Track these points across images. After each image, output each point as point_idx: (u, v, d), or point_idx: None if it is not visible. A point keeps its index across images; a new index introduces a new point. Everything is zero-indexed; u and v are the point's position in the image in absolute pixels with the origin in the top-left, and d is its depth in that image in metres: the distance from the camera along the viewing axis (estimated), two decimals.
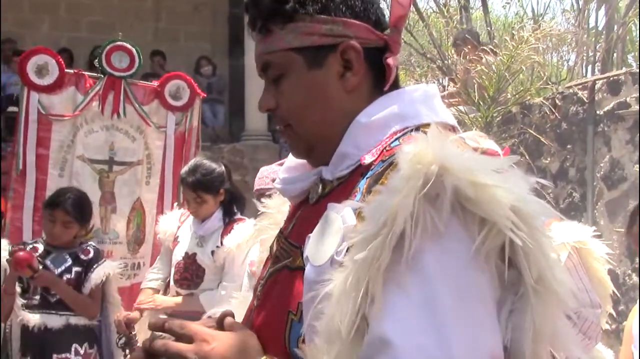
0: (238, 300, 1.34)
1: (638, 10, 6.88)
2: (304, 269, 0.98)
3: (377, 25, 1.07)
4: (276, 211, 1.29)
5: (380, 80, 1.07)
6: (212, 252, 3.21)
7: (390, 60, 1.06)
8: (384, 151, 0.99)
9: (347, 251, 0.90)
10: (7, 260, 3.12)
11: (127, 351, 3.25)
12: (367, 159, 1.00)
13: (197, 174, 3.20)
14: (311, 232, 0.98)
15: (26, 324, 3.13)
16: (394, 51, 1.07)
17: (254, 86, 8.41)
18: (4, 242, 3.33)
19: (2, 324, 3.32)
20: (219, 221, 3.25)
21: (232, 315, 1.06)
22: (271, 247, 1.19)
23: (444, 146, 0.87)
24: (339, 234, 0.93)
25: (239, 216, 3.29)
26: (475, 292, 0.87)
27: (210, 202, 3.23)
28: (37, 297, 3.17)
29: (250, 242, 3.12)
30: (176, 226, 3.43)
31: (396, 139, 1.00)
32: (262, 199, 1.34)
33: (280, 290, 1.04)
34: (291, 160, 1.18)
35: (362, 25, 1.05)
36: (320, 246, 0.95)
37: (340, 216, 0.94)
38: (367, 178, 0.97)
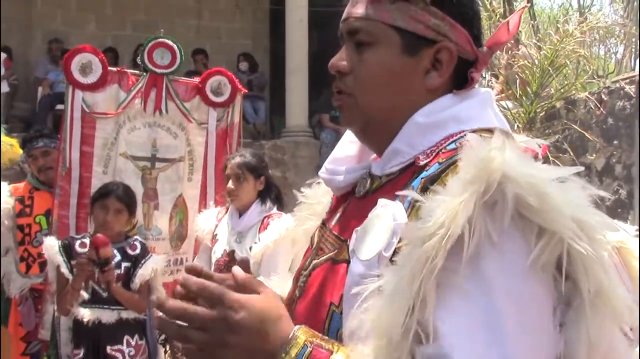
0: (276, 282, 1.34)
1: None
2: (348, 262, 0.98)
3: (475, 39, 1.07)
4: (316, 202, 1.29)
5: (458, 89, 1.07)
6: (250, 248, 3.23)
7: (475, 75, 1.07)
8: (440, 152, 0.99)
9: (397, 248, 0.90)
10: (77, 261, 3.22)
11: (167, 346, 3.31)
12: (422, 160, 1.00)
13: (245, 155, 3.34)
14: (358, 226, 0.98)
15: (80, 318, 3.22)
16: (479, 68, 1.07)
17: (295, 83, 8.44)
18: (52, 238, 3.42)
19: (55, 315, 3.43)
20: (257, 215, 3.28)
21: (247, 263, 1.05)
22: (312, 238, 1.19)
23: (507, 153, 0.87)
24: (389, 231, 0.93)
25: (275, 211, 3.31)
26: (535, 302, 0.86)
27: (251, 184, 3.27)
28: (89, 292, 3.26)
29: (287, 241, 3.18)
30: (214, 224, 3.46)
31: (452, 142, 0.99)
32: (302, 189, 1.34)
33: (323, 281, 1.04)
34: (338, 151, 1.18)
35: (465, 34, 1.05)
36: (368, 241, 0.95)
37: (391, 213, 0.94)
38: (421, 178, 0.96)
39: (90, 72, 3.79)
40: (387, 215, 0.94)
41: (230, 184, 3.29)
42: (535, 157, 0.95)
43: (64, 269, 3.24)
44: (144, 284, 3.33)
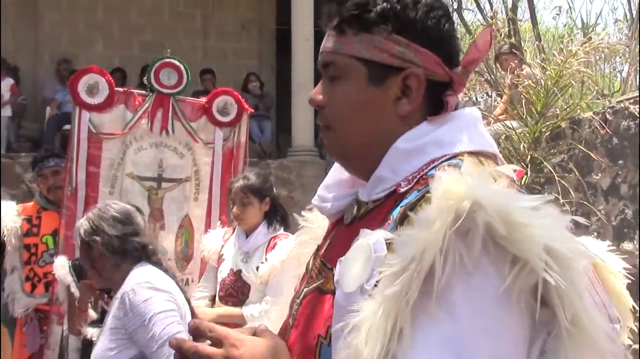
0: (276, 313, 1.37)
1: None
2: (334, 292, 0.98)
3: (448, 61, 1.06)
4: (317, 225, 1.30)
5: (435, 113, 1.06)
6: (257, 268, 3.24)
7: (450, 98, 1.06)
8: (420, 179, 0.99)
9: (377, 281, 0.90)
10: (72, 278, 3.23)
11: None
12: (403, 186, 1.00)
13: (247, 177, 3.34)
14: (342, 255, 0.98)
15: (89, 338, 3.23)
16: (456, 90, 1.06)
17: (301, 102, 8.48)
18: (63, 258, 3.44)
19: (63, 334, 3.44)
20: (263, 236, 3.29)
21: (267, 330, 1.06)
22: (307, 264, 1.20)
23: (478, 181, 0.87)
24: (370, 263, 0.92)
25: (282, 231, 3.32)
26: (503, 331, 0.86)
27: (256, 207, 3.28)
28: (98, 311, 3.27)
29: (294, 261, 3.16)
30: (220, 244, 3.47)
31: (433, 168, 0.99)
32: (303, 213, 1.35)
33: (312, 312, 1.05)
34: (330, 178, 1.18)
35: (433, 57, 1.04)
36: (350, 273, 0.95)
37: (372, 245, 0.93)
38: (400, 206, 0.96)
39: (97, 93, 3.84)
40: (368, 247, 0.94)
41: (235, 209, 3.31)
42: (512, 183, 0.93)
43: (74, 289, 3.25)
44: None
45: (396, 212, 0.96)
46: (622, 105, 5.26)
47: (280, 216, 3.36)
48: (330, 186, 1.17)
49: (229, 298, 3.30)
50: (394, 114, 1.05)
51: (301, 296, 1.11)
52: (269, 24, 9.69)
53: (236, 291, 3.29)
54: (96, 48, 9.02)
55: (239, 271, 3.29)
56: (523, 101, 5.79)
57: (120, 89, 4.00)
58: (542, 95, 5.80)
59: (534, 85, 5.78)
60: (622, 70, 8.24)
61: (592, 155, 5.34)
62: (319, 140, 8.63)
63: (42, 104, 8.75)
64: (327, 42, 1.08)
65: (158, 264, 2.61)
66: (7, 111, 8.19)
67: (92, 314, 3.23)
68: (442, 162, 0.99)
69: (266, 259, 3.22)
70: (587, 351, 0.85)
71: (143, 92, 4.02)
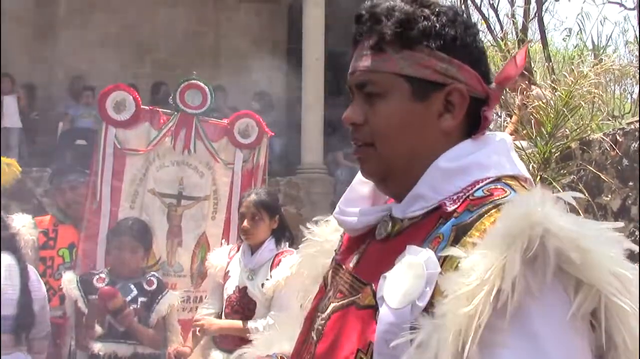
0: (283, 327, 1.37)
1: None
2: (375, 308, 0.97)
3: (484, 77, 1.08)
4: (324, 239, 1.30)
5: (473, 128, 1.08)
6: (262, 285, 3.26)
7: (487, 114, 1.08)
8: (468, 199, 0.99)
9: (431, 298, 0.91)
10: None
11: None
12: (449, 205, 1.00)
13: (261, 193, 3.40)
14: (384, 271, 0.98)
15: (96, 352, 3.26)
16: (492, 106, 1.08)
17: (310, 120, 8.56)
18: (71, 273, 3.49)
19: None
20: (269, 253, 3.32)
21: None
22: (325, 279, 1.19)
23: (547, 207, 0.88)
24: (422, 280, 0.92)
25: (287, 247, 3.35)
26: (581, 353, 0.88)
27: (266, 223, 3.32)
28: (106, 326, 3.31)
29: (299, 273, 3.19)
30: (226, 261, 3.49)
31: (479, 189, 1.00)
32: (309, 225, 1.34)
33: (346, 327, 1.03)
34: (351, 192, 1.18)
35: (474, 74, 1.06)
36: (398, 288, 0.94)
37: (424, 262, 0.94)
38: (452, 225, 0.96)
39: (123, 110, 3.91)
40: (418, 263, 0.94)
41: (245, 223, 3.33)
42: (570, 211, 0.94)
43: (81, 304, 3.31)
44: (160, 320, 3.41)
45: (446, 231, 0.96)
46: (632, 126, 5.32)
47: (287, 235, 3.40)
48: (352, 201, 1.16)
49: (235, 315, 3.32)
50: (438, 130, 1.06)
51: (328, 311, 1.09)
52: (281, 43, 9.80)
53: (242, 307, 3.31)
54: (109, 65, 9.11)
55: (245, 288, 3.32)
56: (533, 121, 5.84)
57: (147, 107, 4.08)
58: (552, 116, 5.86)
59: (544, 106, 5.83)
60: (633, 92, 8.30)
61: (602, 176, 5.39)
62: (327, 158, 8.70)
63: (55, 119, 8.84)
64: (362, 62, 1.07)
65: None
66: (16, 123, 8.25)
67: (99, 329, 3.28)
68: (488, 184, 1.01)
69: (271, 275, 3.25)
70: None
71: (168, 111, 4.10)
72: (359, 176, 1.17)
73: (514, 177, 1.04)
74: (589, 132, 6.03)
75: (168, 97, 4.36)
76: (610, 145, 5.40)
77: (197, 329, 3.38)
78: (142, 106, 4.01)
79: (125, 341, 3.31)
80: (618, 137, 5.39)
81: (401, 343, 0.90)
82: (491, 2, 11.71)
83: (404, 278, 0.94)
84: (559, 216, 0.88)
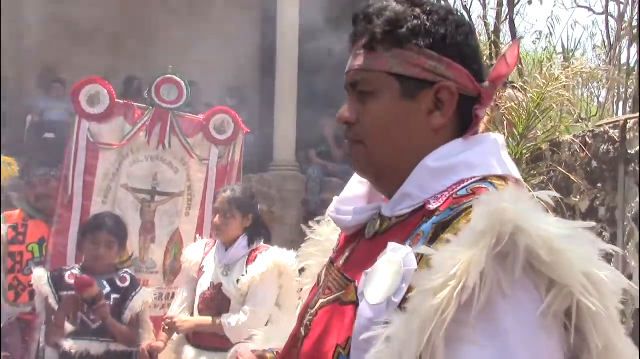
0: (283, 323, 1.38)
1: None
2: (357, 304, 0.99)
3: (476, 75, 1.09)
4: (325, 239, 1.32)
5: (464, 127, 1.09)
6: (238, 281, 3.27)
7: (479, 112, 1.09)
8: (451, 197, 1.00)
9: (406, 294, 0.92)
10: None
11: None
12: (433, 204, 1.01)
13: (236, 191, 3.39)
14: (367, 268, 0.99)
15: (67, 350, 3.21)
16: (484, 104, 1.09)
17: (283, 117, 8.54)
18: (41, 269, 3.43)
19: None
20: (243, 249, 3.32)
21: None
22: (319, 276, 1.20)
23: (520, 205, 0.89)
24: (399, 276, 0.94)
25: (262, 244, 3.36)
26: (546, 351, 0.88)
27: (238, 221, 3.32)
28: (78, 323, 3.27)
29: (274, 273, 3.23)
30: (201, 256, 3.49)
31: (463, 188, 1.01)
32: (311, 224, 1.36)
33: (330, 322, 1.05)
34: (348, 191, 1.20)
35: (464, 72, 1.07)
36: (377, 285, 0.95)
37: (401, 258, 0.95)
38: (432, 223, 0.98)
39: (97, 103, 3.86)
40: (397, 260, 0.95)
41: (216, 219, 3.34)
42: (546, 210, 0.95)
43: (52, 301, 3.26)
44: (134, 317, 3.37)
45: (427, 229, 0.97)
46: (601, 129, 5.41)
47: (261, 233, 3.40)
48: (347, 200, 1.18)
49: (208, 311, 3.32)
50: (427, 128, 1.07)
51: (316, 307, 1.11)
52: (254, 39, 9.75)
53: (216, 304, 3.30)
54: (80, 57, 8.97)
55: (220, 285, 3.31)
56: (505, 122, 5.91)
57: (121, 101, 4.03)
58: (523, 117, 5.93)
59: (516, 108, 5.91)
60: (600, 95, 8.46)
61: (572, 177, 5.48)
62: (299, 155, 8.69)
63: (23, 112, 8.67)
64: (355, 61, 1.10)
65: None
66: None
67: (70, 326, 3.22)
68: (473, 183, 1.01)
69: (247, 271, 3.25)
70: None
71: (143, 105, 4.06)
72: (357, 175, 1.19)
73: (501, 178, 1.04)
74: (558, 134, 6.12)
75: (140, 91, 4.32)
76: (580, 147, 5.49)
77: (166, 325, 3.35)
78: (116, 100, 3.96)
79: (97, 338, 3.27)
80: (587, 140, 5.48)
81: (375, 337, 0.90)
82: (464, 3, 11.82)
83: (383, 275, 0.96)
84: (532, 214, 0.89)
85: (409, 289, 0.91)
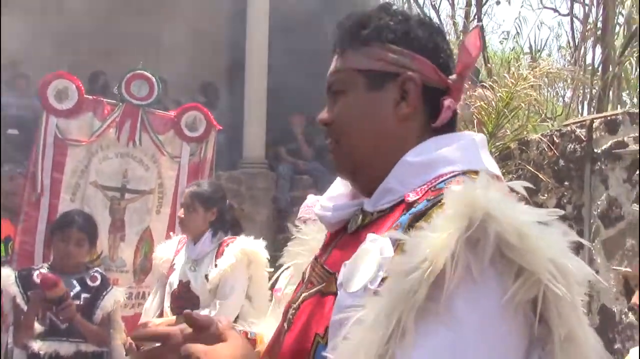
0: (267, 320, 1.36)
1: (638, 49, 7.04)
2: (336, 294, 1.00)
3: (443, 68, 1.11)
4: (311, 238, 1.32)
5: (435, 119, 1.10)
6: (207, 276, 3.26)
7: (447, 102, 1.10)
8: (429, 190, 1.02)
9: (382, 280, 0.92)
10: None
11: None
12: (412, 197, 1.02)
13: (199, 184, 3.42)
14: (347, 260, 1.01)
15: (36, 351, 3.14)
16: (454, 96, 1.11)
17: (252, 115, 8.50)
18: (8, 269, 3.35)
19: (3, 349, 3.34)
20: (210, 243, 3.31)
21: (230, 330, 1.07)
22: (304, 273, 1.21)
23: (491, 193, 0.90)
24: (376, 264, 0.95)
25: (229, 236, 3.35)
26: (505, 342, 0.89)
27: (200, 215, 3.30)
28: (47, 323, 3.19)
29: (243, 263, 3.24)
30: (172, 253, 3.47)
31: (442, 182, 1.02)
32: (297, 224, 1.38)
33: (311, 313, 1.06)
34: (333, 189, 1.21)
35: (428, 64, 1.10)
36: (356, 274, 0.97)
37: (379, 247, 0.97)
38: (410, 214, 0.99)
39: (65, 99, 3.78)
40: (375, 249, 0.97)
41: (180, 213, 3.35)
42: (522, 198, 0.98)
43: (20, 301, 3.18)
44: (105, 316, 3.31)
45: (404, 220, 0.99)
46: (569, 128, 5.50)
47: (227, 227, 3.38)
48: (332, 198, 1.20)
49: (179, 309, 3.27)
50: (394, 118, 1.09)
51: (298, 301, 1.12)
52: (223, 36, 9.67)
53: (185, 302, 3.27)
54: (44, 52, 8.79)
55: (188, 283, 3.29)
56: (475, 121, 5.97)
57: (90, 97, 3.95)
58: (493, 116, 6.01)
59: (486, 107, 5.98)
60: (565, 95, 8.61)
61: (540, 176, 5.56)
62: (269, 153, 8.66)
63: None
64: (332, 66, 1.15)
65: None
66: None
67: (39, 326, 3.16)
68: (450, 178, 1.03)
69: (216, 265, 3.24)
70: None
71: (113, 101, 3.99)
72: None
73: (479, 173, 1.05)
74: (526, 133, 6.21)
75: (107, 87, 4.25)
76: (548, 146, 5.58)
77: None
78: (85, 95, 3.89)
79: (67, 338, 3.19)
80: (555, 139, 5.56)
81: (348, 320, 0.91)
82: (433, 3, 11.93)
83: (361, 264, 0.97)
84: (502, 201, 0.90)
85: (386, 277, 0.92)
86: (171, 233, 3.90)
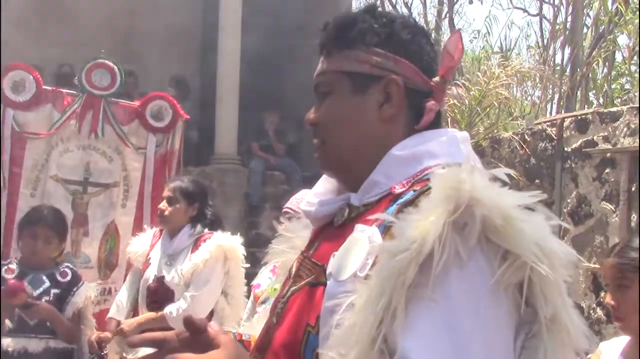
0: (258, 318, 1.38)
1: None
2: (326, 284, 1.01)
3: (426, 71, 1.14)
4: (295, 235, 1.33)
5: (418, 120, 1.13)
6: (181, 271, 3.22)
7: (430, 104, 1.12)
8: (415, 182, 1.04)
9: (372, 267, 0.93)
10: None
11: None
12: (398, 189, 1.05)
13: (183, 179, 3.38)
14: (336, 251, 1.02)
15: (4, 348, 3.05)
16: (437, 99, 1.14)
17: (224, 110, 8.40)
18: None
19: None
20: (187, 238, 3.28)
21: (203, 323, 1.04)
22: (290, 269, 1.21)
23: (476, 178, 0.91)
24: (364, 252, 0.97)
25: (206, 231, 3.32)
26: (497, 322, 0.90)
27: (181, 209, 3.29)
28: (15, 320, 3.09)
29: (219, 258, 3.20)
30: (148, 247, 3.42)
31: (427, 174, 1.04)
32: (282, 220, 1.36)
33: (301, 305, 1.07)
34: (320, 186, 1.23)
35: (411, 66, 1.13)
36: (344, 263, 0.99)
37: (367, 236, 0.98)
38: (397, 204, 1.01)
39: (23, 90, 3.66)
40: (364, 238, 0.99)
41: (161, 205, 3.31)
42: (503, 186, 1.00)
43: None
44: (76, 313, 3.23)
45: (392, 209, 1.00)
46: (540, 127, 5.53)
47: (207, 223, 3.34)
48: (319, 194, 1.21)
49: (154, 305, 3.26)
50: (378, 119, 1.12)
51: (287, 295, 1.13)
52: (195, 31, 9.56)
53: (160, 297, 3.24)
54: (13, 44, 8.60)
55: (162, 278, 3.25)
56: (449, 119, 5.98)
57: (48, 88, 3.83)
58: (466, 114, 6.02)
59: (459, 105, 5.98)
60: (533, 94, 8.68)
61: (512, 173, 5.58)
62: (241, 149, 8.58)
63: None
64: (319, 67, 1.18)
65: None
66: None
67: (8, 323, 3.06)
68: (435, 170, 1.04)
69: (191, 259, 3.21)
70: (564, 348, 0.90)
71: (73, 92, 3.86)
72: None
73: None
74: (495, 131, 6.24)
75: (72, 78, 4.13)
76: (519, 144, 5.60)
77: (116, 334, 3.28)
78: (43, 87, 3.76)
79: (36, 335, 3.10)
80: (526, 137, 5.59)
81: (340, 306, 0.93)
82: (405, 1, 11.95)
83: (350, 253, 0.99)
84: (487, 186, 0.91)
85: (375, 263, 0.94)
86: (145, 226, 3.82)
